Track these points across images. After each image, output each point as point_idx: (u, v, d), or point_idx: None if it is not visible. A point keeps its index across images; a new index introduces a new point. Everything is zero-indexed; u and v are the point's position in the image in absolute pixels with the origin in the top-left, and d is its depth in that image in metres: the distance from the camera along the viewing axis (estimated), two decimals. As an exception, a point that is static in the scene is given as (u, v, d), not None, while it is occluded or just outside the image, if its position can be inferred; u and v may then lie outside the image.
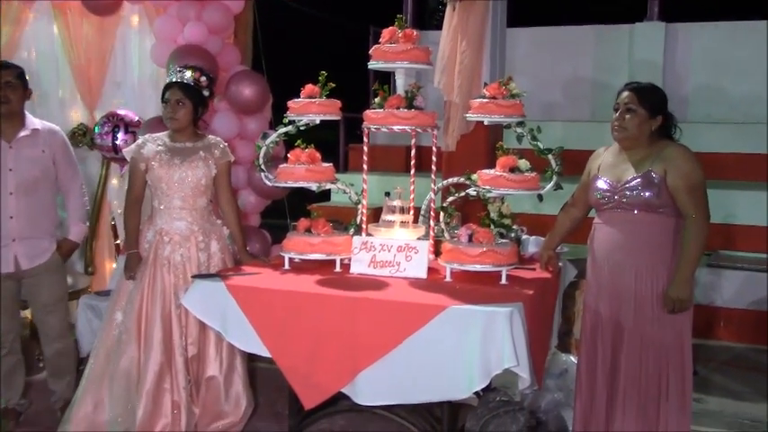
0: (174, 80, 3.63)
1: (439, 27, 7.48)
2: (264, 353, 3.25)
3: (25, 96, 3.81)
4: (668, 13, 7.84)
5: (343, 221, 4.08)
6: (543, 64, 8.05)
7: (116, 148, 5.03)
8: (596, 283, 3.25)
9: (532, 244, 4.01)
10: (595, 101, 8.02)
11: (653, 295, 3.09)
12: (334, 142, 8.12)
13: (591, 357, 3.25)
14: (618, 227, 3.14)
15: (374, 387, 3.07)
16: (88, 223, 3.96)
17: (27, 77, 3.87)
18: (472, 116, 3.51)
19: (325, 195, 6.86)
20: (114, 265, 5.42)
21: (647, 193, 3.04)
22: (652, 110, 3.09)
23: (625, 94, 3.13)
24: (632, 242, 3.10)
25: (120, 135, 5.10)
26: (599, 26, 8.14)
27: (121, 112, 5.23)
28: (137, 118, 5.20)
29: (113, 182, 5.57)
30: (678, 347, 3.09)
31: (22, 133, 3.79)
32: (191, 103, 3.64)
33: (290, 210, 5.73)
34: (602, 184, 3.18)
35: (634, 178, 3.08)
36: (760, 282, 5.64)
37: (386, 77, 7.39)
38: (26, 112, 3.88)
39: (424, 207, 4.02)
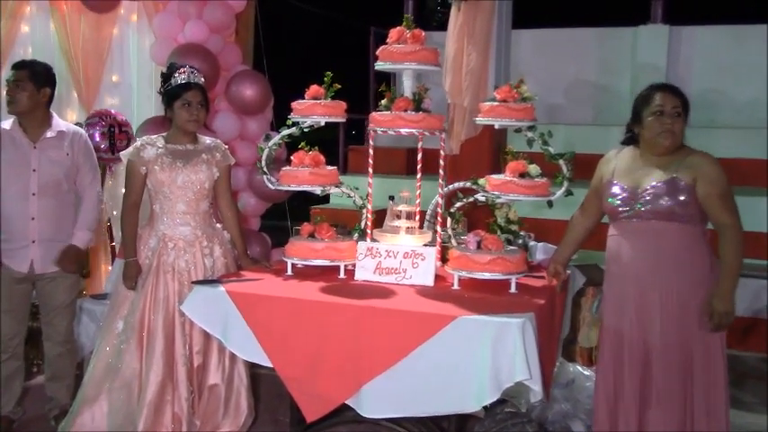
0: (194, 81, 3.53)
1: (438, 28, 7.40)
2: (266, 362, 3.16)
3: (40, 96, 3.73)
4: (672, 16, 7.74)
5: (346, 225, 4.00)
6: (545, 66, 7.96)
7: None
8: (618, 301, 3.06)
9: (540, 251, 3.92)
10: (598, 104, 7.93)
11: (685, 311, 2.93)
12: (332, 142, 8.03)
13: (617, 379, 3.06)
14: (640, 239, 2.98)
15: (380, 399, 2.97)
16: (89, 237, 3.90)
17: (48, 75, 3.79)
18: (482, 120, 3.42)
19: (325, 197, 6.77)
20: (110, 268, 5.32)
21: (669, 201, 2.90)
22: (687, 114, 3.00)
23: (671, 97, 2.98)
24: (658, 255, 2.94)
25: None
26: (601, 29, 8.05)
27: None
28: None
29: (108, 182, 5.47)
30: (710, 364, 2.94)
31: (48, 134, 3.76)
32: (206, 106, 3.59)
33: (289, 211, 5.64)
34: (617, 189, 3.04)
35: (656, 185, 2.94)
36: (761, 289, 5.56)
37: (385, 78, 7.33)
38: (53, 113, 3.85)
39: (429, 212, 3.93)
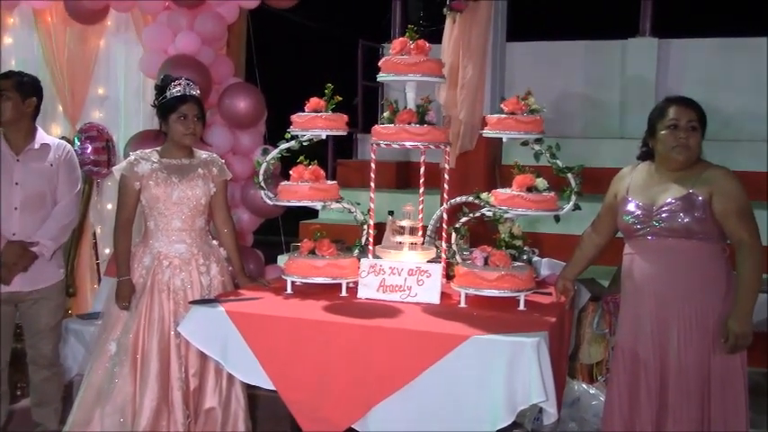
0: (190, 93, 3.41)
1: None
2: (268, 385, 3.04)
3: (25, 106, 3.64)
4: (660, 29, 7.74)
5: (344, 241, 3.89)
6: (535, 79, 7.87)
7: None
8: (634, 321, 2.96)
9: (545, 266, 3.83)
10: (587, 117, 7.90)
11: (704, 331, 2.84)
12: (319, 156, 7.90)
13: (632, 400, 2.96)
14: (656, 257, 2.89)
15: (388, 423, 2.85)
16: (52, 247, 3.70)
17: (34, 86, 3.72)
18: (490, 132, 3.34)
19: (313, 211, 6.64)
20: (96, 287, 5.16)
21: (686, 218, 2.81)
22: (705, 128, 2.92)
23: (686, 110, 2.91)
24: (675, 274, 2.85)
25: None
26: (590, 41, 8.02)
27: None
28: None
29: (94, 198, 5.31)
30: (729, 384, 2.87)
31: (32, 147, 3.66)
32: (203, 119, 3.48)
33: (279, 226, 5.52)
34: (632, 207, 2.94)
35: (671, 201, 2.85)
36: (761, 303, 5.50)
37: (374, 91, 7.23)
38: (38, 128, 3.76)
39: (431, 227, 3.83)
